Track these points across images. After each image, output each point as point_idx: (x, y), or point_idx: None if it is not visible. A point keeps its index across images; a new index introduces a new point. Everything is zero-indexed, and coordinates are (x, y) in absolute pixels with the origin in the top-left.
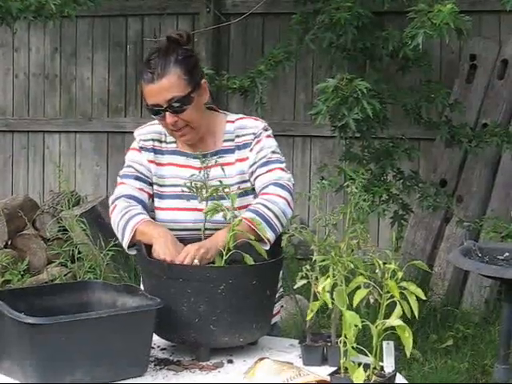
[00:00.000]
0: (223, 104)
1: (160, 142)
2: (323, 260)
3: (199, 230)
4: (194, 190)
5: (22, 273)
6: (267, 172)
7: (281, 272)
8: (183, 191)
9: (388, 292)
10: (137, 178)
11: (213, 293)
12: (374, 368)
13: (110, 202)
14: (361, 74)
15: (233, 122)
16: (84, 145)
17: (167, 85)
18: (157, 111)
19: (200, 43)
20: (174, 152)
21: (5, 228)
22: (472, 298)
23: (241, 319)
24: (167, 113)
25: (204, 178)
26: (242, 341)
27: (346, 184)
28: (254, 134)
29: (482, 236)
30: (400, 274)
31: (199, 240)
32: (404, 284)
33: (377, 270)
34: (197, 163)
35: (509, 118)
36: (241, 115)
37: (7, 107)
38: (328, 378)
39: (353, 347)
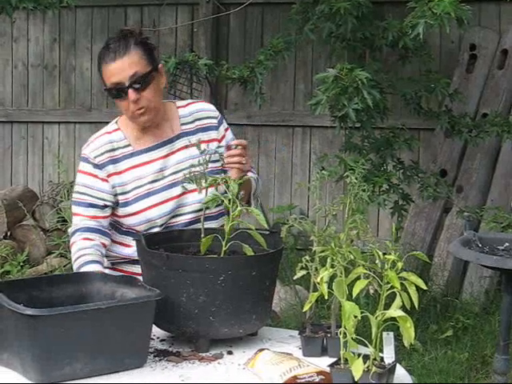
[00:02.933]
0: (222, 94)
1: (114, 150)
2: (323, 251)
3: (172, 219)
4: (194, 180)
5: (21, 264)
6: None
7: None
8: (149, 189)
9: (388, 283)
10: (90, 206)
11: (212, 284)
12: (374, 359)
13: (69, 235)
14: (360, 64)
15: (184, 106)
16: (83, 135)
17: (129, 62)
18: (118, 90)
19: (199, 33)
20: (132, 154)
21: (4, 219)
22: (472, 288)
23: (240, 310)
24: (130, 90)
25: (205, 161)
26: (241, 332)
27: (345, 174)
28: (215, 117)
29: (482, 226)
30: (400, 265)
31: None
32: (404, 274)
33: (377, 261)
34: (162, 152)
35: (509, 107)
36: (189, 100)
37: (6, 98)
38: (328, 369)
39: (352, 338)
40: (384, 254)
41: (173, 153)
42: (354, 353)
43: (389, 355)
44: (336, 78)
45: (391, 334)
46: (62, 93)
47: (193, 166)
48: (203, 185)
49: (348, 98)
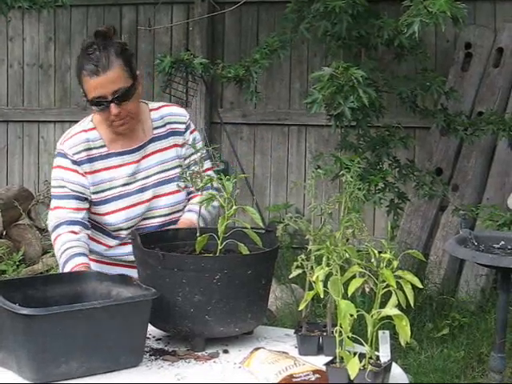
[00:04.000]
0: (218, 93)
1: (90, 149)
2: (318, 249)
3: (141, 221)
4: (189, 180)
5: (17, 263)
6: (205, 170)
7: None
8: (121, 192)
9: (383, 281)
10: (72, 198)
11: (208, 283)
12: (370, 357)
13: (50, 229)
14: (356, 62)
15: (156, 109)
16: None
17: (113, 77)
18: (100, 104)
19: (195, 32)
20: (107, 156)
21: (0, 218)
22: (468, 286)
23: (236, 309)
24: (112, 104)
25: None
26: (237, 331)
27: (341, 173)
28: (184, 122)
29: (478, 224)
30: (395, 263)
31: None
32: (400, 273)
33: (372, 259)
34: (135, 157)
35: (504, 106)
36: (162, 103)
37: (2, 97)
38: (324, 368)
39: (348, 337)
40: (380, 252)
41: (144, 157)
42: (349, 351)
43: (385, 354)
44: (332, 77)
45: (387, 332)
46: (58, 92)
47: (180, 166)
48: (199, 185)
49: (344, 97)
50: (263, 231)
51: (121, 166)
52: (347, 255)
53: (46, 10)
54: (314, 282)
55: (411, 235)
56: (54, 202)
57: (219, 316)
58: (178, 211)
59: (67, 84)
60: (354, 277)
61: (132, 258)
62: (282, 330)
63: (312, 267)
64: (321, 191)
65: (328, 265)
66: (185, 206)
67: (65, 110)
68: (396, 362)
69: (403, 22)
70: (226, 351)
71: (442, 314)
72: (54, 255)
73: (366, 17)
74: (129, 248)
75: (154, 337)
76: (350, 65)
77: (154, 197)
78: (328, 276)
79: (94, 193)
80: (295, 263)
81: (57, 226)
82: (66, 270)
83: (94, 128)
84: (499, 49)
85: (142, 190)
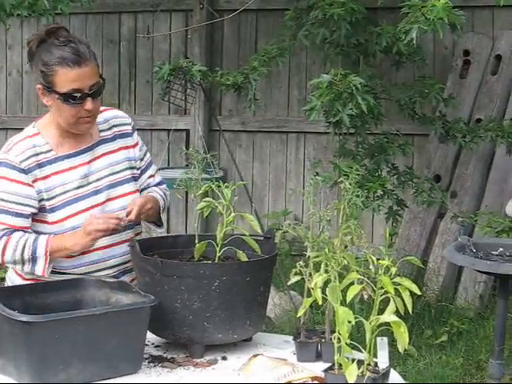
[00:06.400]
0: (217, 100)
1: (38, 154)
2: (317, 256)
3: None
4: (187, 187)
5: None
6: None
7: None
8: (76, 195)
9: (382, 288)
10: (17, 215)
11: (207, 289)
12: (368, 364)
13: None
14: (355, 69)
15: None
16: None
17: (92, 70)
18: (75, 97)
19: (193, 40)
20: (55, 160)
21: None
22: (466, 293)
23: (234, 316)
24: (89, 98)
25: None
26: (235, 337)
27: (339, 180)
28: (129, 124)
29: (477, 231)
30: (393, 270)
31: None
32: (398, 280)
33: (370, 266)
34: (84, 159)
35: (503, 113)
36: (102, 107)
37: (1, 105)
38: (322, 374)
39: (347, 343)
40: (378, 259)
41: (94, 159)
42: (348, 358)
43: (383, 360)
44: (330, 84)
45: (385, 339)
46: None
47: (131, 167)
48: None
49: (342, 104)
50: (262, 238)
51: (71, 168)
52: (345, 262)
53: (45, 18)
54: (313, 289)
55: (410, 242)
56: None
57: (218, 323)
58: None
59: None
60: (352, 283)
61: (82, 270)
62: (280, 336)
63: (310, 274)
64: (319, 198)
65: (326, 271)
66: None
67: None
68: (394, 369)
69: (401, 28)
70: (224, 358)
71: (441, 321)
72: None
73: (364, 24)
74: (80, 260)
75: (152, 344)
76: (348, 72)
77: (108, 199)
78: (326, 283)
79: (46, 199)
80: (294, 270)
81: (4, 236)
82: (40, 257)
83: (38, 133)
84: (497, 56)
85: (95, 192)
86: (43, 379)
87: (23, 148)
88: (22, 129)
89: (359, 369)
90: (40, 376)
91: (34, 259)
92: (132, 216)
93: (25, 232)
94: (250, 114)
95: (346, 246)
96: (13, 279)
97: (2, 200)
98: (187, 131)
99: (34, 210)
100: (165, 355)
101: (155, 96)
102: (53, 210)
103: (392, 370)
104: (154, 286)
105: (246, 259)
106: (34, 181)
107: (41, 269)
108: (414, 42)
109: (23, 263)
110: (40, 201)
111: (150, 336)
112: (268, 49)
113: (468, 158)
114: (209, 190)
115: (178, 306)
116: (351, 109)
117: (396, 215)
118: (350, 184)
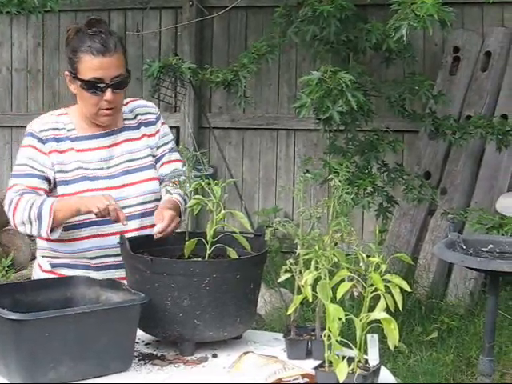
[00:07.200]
0: (207, 98)
1: (59, 129)
2: (307, 253)
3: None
4: (178, 184)
5: (6, 268)
6: (174, 161)
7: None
8: (91, 174)
9: (372, 285)
10: (31, 176)
11: (197, 287)
12: (359, 361)
13: (6, 206)
14: (344, 66)
15: (125, 104)
16: None
17: (117, 61)
18: (96, 86)
19: (183, 37)
20: (76, 138)
21: None
22: (457, 290)
23: (225, 313)
24: (109, 89)
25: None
26: (226, 335)
27: (330, 177)
28: (154, 113)
29: (467, 228)
30: (384, 267)
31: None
32: (388, 277)
33: (361, 263)
34: (105, 142)
35: (492, 109)
36: (128, 99)
37: None
38: (312, 372)
39: (337, 340)
40: (368, 256)
41: (115, 144)
42: (338, 355)
43: (373, 357)
44: (320, 81)
45: (376, 336)
46: (46, 97)
47: (151, 155)
48: (188, 189)
49: (332, 101)
50: (252, 235)
51: (90, 150)
52: (336, 259)
53: (35, 15)
54: (303, 286)
55: (400, 239)
56: (11, 181)
57: (208, 320)
58: (152, 201)
59: (56, 89)
60: (342, 281)
61: (93, 254)
62: (270, 334)
63: (301, 271)
64: (309, 195)
65: (317, 269)
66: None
67: None
68: (385, 366)
69: (391, 25)
70: (215, 355)
71: (431, 318)
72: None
73: (354, 21)
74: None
75: (143, 341)
76: (338, 69)
77: (123, 185)
78: (317, 280)
79: (58, 171)
80: (284, 267)
81: (13, 198)
82: (45, 216)
83: (65, 113)
84: (487, 53)
85: (110, 177)
86: (33, 378)
87: (46, 120)
88: (12, 126)
89: (350, 366)
90: (30, 374)
91: (39, 218)
92: (156, 231)
93: (38, 194)
94: (240, 112)
95: (336, 243)
96: (37, 272)
97: (18, 165)
98: (177, 128)
99: (48, 176)
100: (155, 353)
101: (145, 93)
102: (65, 182)
103: (382, 367)
104: (144, 283)
105: (236, 257)
106: (50, 152)
107: (45, 228)
108: (404, 38)
109: (30, 223)
110: (54, 172)
111: (141, 334)
112: (258, 46)
113: (458, 155)
114: (199, 188)
115: (169, 304)
116: (341, 106)
117: (386, 212)
118: (340, 181)
